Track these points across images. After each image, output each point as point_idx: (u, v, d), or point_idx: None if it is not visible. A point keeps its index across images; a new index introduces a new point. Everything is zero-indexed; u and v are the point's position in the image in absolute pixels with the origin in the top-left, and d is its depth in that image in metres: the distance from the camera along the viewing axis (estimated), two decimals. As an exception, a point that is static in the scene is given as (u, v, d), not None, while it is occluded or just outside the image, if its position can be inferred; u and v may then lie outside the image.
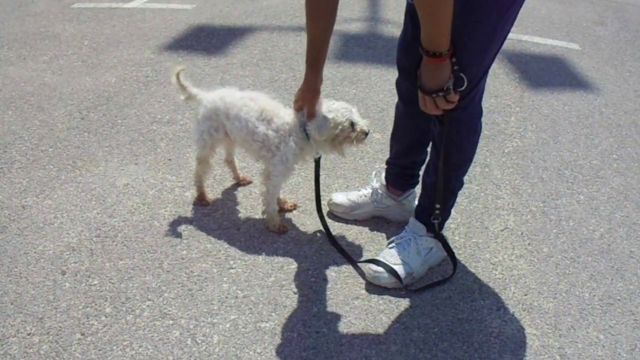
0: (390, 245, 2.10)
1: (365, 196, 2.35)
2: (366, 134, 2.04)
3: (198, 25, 4.42)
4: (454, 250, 2.12)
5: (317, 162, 2.21)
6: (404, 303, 1.98)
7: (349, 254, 2.15)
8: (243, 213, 2.38)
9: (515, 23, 1.72)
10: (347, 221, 2.37)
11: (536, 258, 2.25)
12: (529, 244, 2.32)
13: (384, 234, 2.31)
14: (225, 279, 2.03)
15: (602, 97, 3.73)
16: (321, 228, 2.25)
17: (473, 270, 2.16)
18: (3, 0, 4.82)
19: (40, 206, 2.35)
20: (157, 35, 4.19)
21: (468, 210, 2.49)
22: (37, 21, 4.36)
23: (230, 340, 1.80)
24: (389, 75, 3.62)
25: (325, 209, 2.39)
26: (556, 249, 2.30)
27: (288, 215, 2.38)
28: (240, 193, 2.51)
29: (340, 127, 1.99)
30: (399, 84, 2.13)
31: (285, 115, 2.10)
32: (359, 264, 2.12)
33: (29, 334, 1.78)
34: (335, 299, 1.98)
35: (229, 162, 2.50)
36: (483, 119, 1.92)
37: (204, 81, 3.46)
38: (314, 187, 2.26)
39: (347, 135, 2.02)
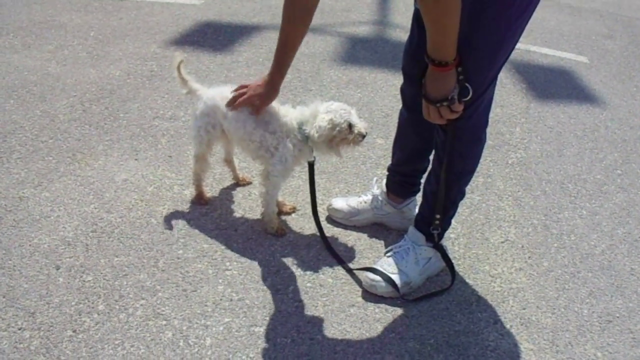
0: (389, 254, 2.08)
1: (365, 202, 2.33)
2: (363, 136, 2.02)
3: (205, 21, 4.40)
4: (453, 261, 2.10)
5: (311, 166, 2.18)
6: (401, 313, 1.96)
7: (345, 262, 2.13)
8: (241, 214, 2.36)
9: (524, 33, 1.70)
10: (345, 227, 2.34)
11: (536, 272, 2.22)
12: (529, 257, 2.30)
13: (382, 241, 2.29)
14: (220, 280, 2.01)
15: (609, 111, 3.70)
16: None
17: (472, 282, 2.14)
18: (11, -12, 4.81)
19: (38, 198, 2.33)
20: (164, 29, 4.17)
21: (469, 221, 2.46)
22: (44, 10, 4.34)
23: (223, 344, 1.77)
24: (395, 80, 3.59)
25: (324, 214, 2.37)
26: (556, 264, 2.28)
27: (286, 218, 2.36)
28: (239, 193, 2.49)
29: (337, 128, 1.97)
30: (403, 90, 2.10)
31: (283, 116, 2.08)
32: (356, 272, 2.09)
33: (19, 329, 1.76)
34: (331, 305, 1.96)
35: (229, 162, 2.48)
36: (488, 129, 1.90)
37: (209, 78, 3.44)
38: (309, 193, 2.24)
39: (344, 137, 2.00)
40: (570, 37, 5.03)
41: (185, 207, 2.36)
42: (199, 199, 2.37)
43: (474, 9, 1.53)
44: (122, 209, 2.32)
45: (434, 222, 1.96)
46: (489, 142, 1.92)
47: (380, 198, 2.31)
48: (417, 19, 1.87)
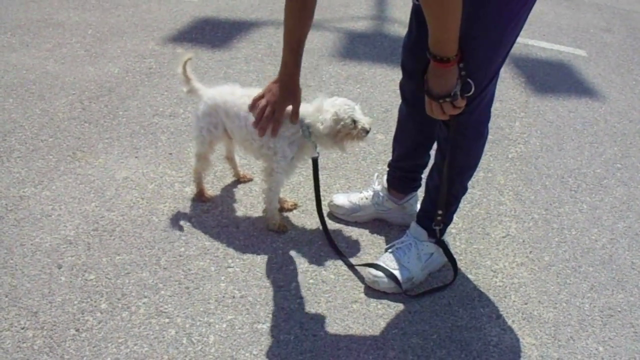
0: (391, 250, 2.08)
1: (367, 198, 2.33)
2: (367, 131, 2.03)
3: (203, 17, 4.38)
4: (455, 256, 2.10)
5: (315, 163, 2.18)
6: (403, 308, 1.97)
7: (348, 258, 2.13)
8: (243, 211, 2.36)
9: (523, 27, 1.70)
10: (347, 223, 2.34)
11: (537, 266, 2.23)
12: (530, 251, 2.30)
13: (384, 237, 2.29)
14: (222, 278, 2.01)
15: (608, 105, 3.70)
16: (321, 229, 2.23)
17: (473, 277, 2.14)
18: (7, -15, 4.79)
19: (38, 197, 2.33)
20: (162, 26, 4.16)
21: (470, 216, 2.46)
22: (41, 8, 4.32)
23: (226, 341, 1.78)
24: (394, 75, 3.59)
25: (325, 210, 2.37)
26: (557, 258, 2.28)
27: (288, 214, 2.36)
28: (241, 190, 2.49)
29: (342, 122, 1.98)
30: (402, 85, 2.10)
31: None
32: (358, 268, 2.10)
33: (22, 328, 1.76)
34: (333, 302, 1.96)
35: (230, 159, 2.48)
36: (488, 124, 1.90)
37: (208, 75, 3.43)
38: (313, 189, 2.24)
39: (348, 132, 2.00)
40: (568, 31, 5.02)
41: (186, 204, 2.36)
42: (200, 197, 2.37)
43: (475, 4, 1.52)
44: (123, 207, 2.32)
45: (436, 218, 1.96)
46: (488, 136, 1.92)
47: (381, 194, 2.31)
48: (416, 14, 1.87)
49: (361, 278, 2.06)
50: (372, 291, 2.01)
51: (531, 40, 4.62)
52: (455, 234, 2.34)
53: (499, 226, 2.43)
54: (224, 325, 1.83)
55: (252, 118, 2.05)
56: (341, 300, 1.97)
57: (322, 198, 2.23)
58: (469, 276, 2.14)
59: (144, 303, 1.89)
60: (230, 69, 3.59)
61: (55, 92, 3.15)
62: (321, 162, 2.20)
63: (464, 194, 2.04)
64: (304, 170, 2.56)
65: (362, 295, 2.01)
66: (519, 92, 3.72)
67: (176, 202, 2.36)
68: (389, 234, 2.30)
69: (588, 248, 2.36)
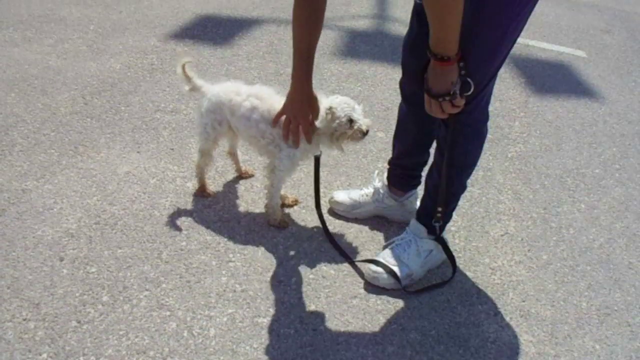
0: (390, 246, 2.10)
1: (367, 195, 2.35)
2: (364, 133, 2.01)
3: (205, 14, 4.39)
4: (454, 253, 2.12)
5: (317, 160, 2.19)
6: (402, 304, 1.98)
7: (347, 254, 2.15)
8: (244, 206, 2.37)
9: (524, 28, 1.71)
10: (347, 219, 2.36)
11: (535, 265, 2.24)
12: (528, 250, 2.32)
13: (384, 234, 2.31)
14: (224, 272, 2.03)
15: (607, 106, 3.72)
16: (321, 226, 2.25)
17: (472, 275, 2.16)
18: (9, -20, 4.80)
19: (40, 191, 2.34)
20: (164, 23, 4.17)
21: (469, 214, 2.48)
22: (43, 3, 4.33)
23: (227, 334, 1.79)
24: (395, 74, 3.60)
25: (326, 207, 2.38)
26: (555, 257, 2.30)
27: (289, 210, 2.38)
28: (242, 186, 2.50)
29: (337, 121, 1.98)
30: (402, 84, 2.11)
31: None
32: (358, 264, 2.11)
33: (24, 319, 1.77)
34: (333, 297, 1.98)
35: (232, 155, 2.49)
36: (487, 123, 1.92)
37: (209, 72, 3.45)
38: (313, 185, 2.25)
39: (344, 131, 2.00)
40: (568, 32, 5.04)
41: (188, 199, 2.37)
42: (202, 192, 2.38)
43: (476, 4, 1.54)
44: (125, 201, 2.33)
45: (435, 215, 1.97)
46: (488, 135, 1.93)
47: (381, 191, 2.32)
48: (417, 12, 1.88)
49: (361, 274, 2.08)
50: (372, 287, 2.03)
51: (531, 41, 4.63)
52: (455, 232, 2.36)
53: (498, 224, 2.45)
54: (225, 319, 1.85)
55: (263, 118, 2.07)
56: (341, 296, 1.99)
57: (322, 194, 2.25)
58: (468, 273, 2.16)
59: (145, 296, 1.90)
60: (231, 66, 3.60)
61: (58, 87, 3.16)
62: (322, 160, 2.21)
63: (463, 192, 2.05)
64: (306, 167, 2.58)
65: (362, 290, 2.02)
66: (518, 92, 3.74)
67: (178, 197, 2.38)
68: (388, 231, 2.32)
69: (586, 247, 2.38)
